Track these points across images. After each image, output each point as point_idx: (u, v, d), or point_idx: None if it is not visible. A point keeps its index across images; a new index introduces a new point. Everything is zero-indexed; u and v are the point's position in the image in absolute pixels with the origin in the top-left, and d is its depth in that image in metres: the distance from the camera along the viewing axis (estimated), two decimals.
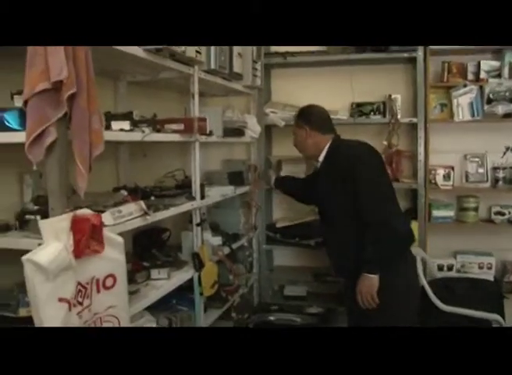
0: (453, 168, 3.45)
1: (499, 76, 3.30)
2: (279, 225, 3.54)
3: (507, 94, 3.23)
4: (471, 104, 3.28)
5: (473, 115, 3.29)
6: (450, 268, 3.44)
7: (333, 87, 3.61)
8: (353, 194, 2.29)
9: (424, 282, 2.94)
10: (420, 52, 3.28)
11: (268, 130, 3.67)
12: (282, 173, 3.49)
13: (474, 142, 3.47)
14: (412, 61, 3.37)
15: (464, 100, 3.29)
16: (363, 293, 2.27)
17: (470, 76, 3.39)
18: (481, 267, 3.40)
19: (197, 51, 2.37)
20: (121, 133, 1.89)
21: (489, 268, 3.39)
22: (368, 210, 2.27)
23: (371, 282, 2.25)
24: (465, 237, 3.50)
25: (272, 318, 3.14)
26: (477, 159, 3.45)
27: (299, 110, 2.67)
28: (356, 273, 2.31)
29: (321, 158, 2.50)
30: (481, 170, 3.44)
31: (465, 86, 3.29)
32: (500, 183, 3.37)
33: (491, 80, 3.29)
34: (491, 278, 3.34)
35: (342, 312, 3.12)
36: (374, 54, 3.33)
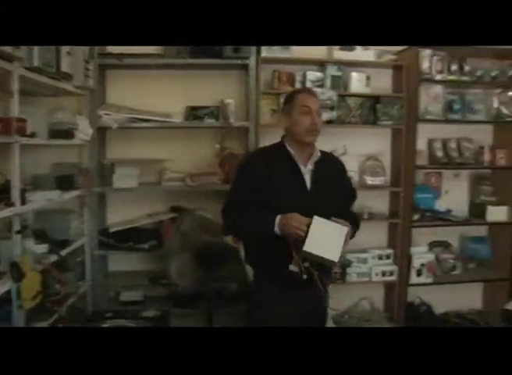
0: None
1: (322, 86, 3.60)
2: (111, 230, 3.44)
3: (329, 102, 3.54)
4: None
5: None
6: None
7: (169, 90, 3.61)
8: (343, 201, 2.38)
9: None
10: (252, 60, 3.42)
11: (103, 132, 3.55)
12: (116, 176, 3.37)
13: None
14: (245, 68, 3.50)
15: None
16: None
17: (297, 85, 3.64)
18: None
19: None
20: None
21: None
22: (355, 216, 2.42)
23: None
24: None
25: (105, 325, 3.04)
26: None
27: None
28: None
29: (318, 154, 2.33)
30: None
31: None
32: None
33: (315, 89, 3.56)
34: None
35: (178, 313, 3.21)
36: (208, 59, 3.39)
